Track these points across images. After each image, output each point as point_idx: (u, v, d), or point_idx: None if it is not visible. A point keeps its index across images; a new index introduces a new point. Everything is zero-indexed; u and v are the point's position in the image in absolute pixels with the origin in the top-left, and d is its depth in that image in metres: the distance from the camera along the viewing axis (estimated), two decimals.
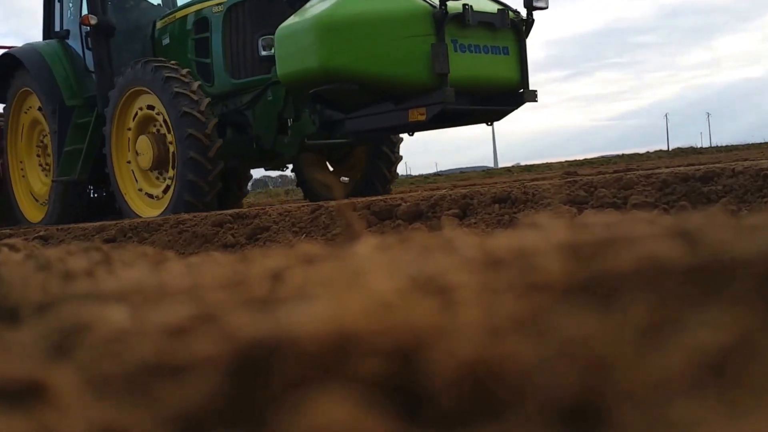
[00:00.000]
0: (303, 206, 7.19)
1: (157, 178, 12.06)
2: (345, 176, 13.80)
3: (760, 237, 0.82)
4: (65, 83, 13.99)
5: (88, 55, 13.72)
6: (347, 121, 10.77)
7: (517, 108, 10.82)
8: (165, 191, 11.88)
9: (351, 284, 0.90)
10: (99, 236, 8.44)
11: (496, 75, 10.40)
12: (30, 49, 14.72)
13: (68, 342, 0.85)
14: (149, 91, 11.74)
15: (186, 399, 0.72)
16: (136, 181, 12.38)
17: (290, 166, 14.26)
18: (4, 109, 15.59)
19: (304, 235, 6.77)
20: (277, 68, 10.49)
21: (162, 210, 11.51)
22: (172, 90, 11.24)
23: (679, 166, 8.25)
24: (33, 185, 15.28)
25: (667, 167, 7.16)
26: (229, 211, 7.96)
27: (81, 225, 9.80)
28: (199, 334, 0.79)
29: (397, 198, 6.64)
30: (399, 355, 0.71)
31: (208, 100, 11.35)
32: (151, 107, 11.93)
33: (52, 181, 13.92)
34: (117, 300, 0.99)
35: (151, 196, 12.20)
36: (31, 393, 0.74)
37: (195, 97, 11.25)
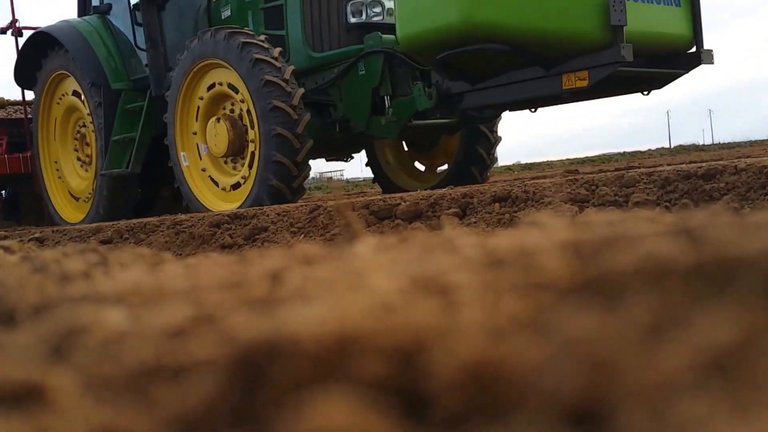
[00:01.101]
0: (301, 206, 7.18)
1: (234, 168, 10.59)
2: (433, 164, 12.42)
3: (763, 235, 0.81)
4: (109, 64, 12.49)
5: (138, 31, 12.23)
6: (475, 94, 9.13)
7: (688, 71, 8.97)
8: (238, 184, 10.47)
9: (351, 285, 0.90)
10: (95, 237, 8.44)
11: (667, 30, 8.58)
12: (66, 26, 13.13)
13: (66, 344, 0.85)
14: (222, 63, 10.25)
15: (185, 401, 0.71)
16: (204, 170, 10.88)
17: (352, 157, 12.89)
18: (34, 96, 14.16)
19: (302, 235, 6.77)
20: (398, 30, 8.95)
21: (240, 202, 10.11)
22: (251, 57, 9.80)
23: (681, 163, 8.23)
24: (69, 181, 13.79)
25: (669, 165, 7.14)
26: (226, 212, 7.96)
27: (77, 227, 9.76)
28: (197, 335, 0.79)
29: (396, 197, 6.64)
30: (400, 357, 0.71)
31: (292, 67, 9.87)
32: (223, 84, 10.44)
33: (100, 174, 12.37)
34: (114, 302, 0.99)
35: (223, 187, 10.77)
36: (29, 396, 0.74)
37: (278, 64, 9.81)
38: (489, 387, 0.68)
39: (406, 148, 12.68)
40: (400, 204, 6.42)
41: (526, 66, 8.45)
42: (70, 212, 13.62)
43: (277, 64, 9.78)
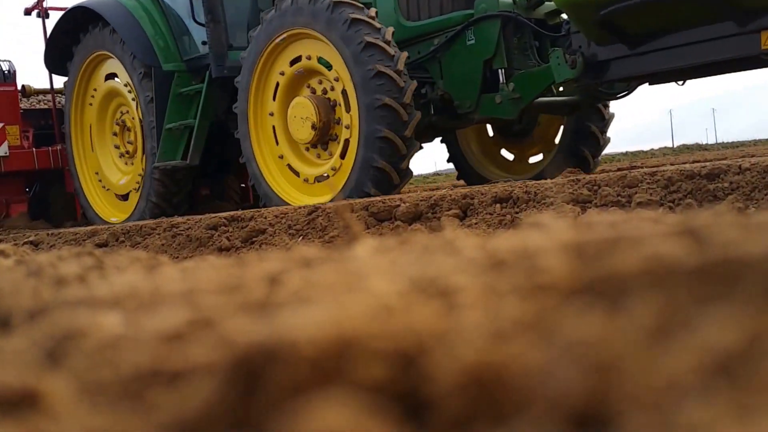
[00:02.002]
0: (299, 208, 7.19)
1: (318, 156, 9.32)
2: (525, 152, 11.03)
3: None
4: (159, 43, 11.08)
5: (196, 5, 10.78)
6: (629, 61, 7.82)
7: None
8: (319, 177, 9.14)
9: (350, 288, 0.89)
10: (90, 241, 8.45)
11: None
12: (109, 0, 11.69)
13: (61, 349, 0.85)
14: (316, 34, 8.85)
15: (182, 406, 0.71)
16: (282, 158, 9.61)
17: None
18: (66, 82, 12.95)
19: (301, 237, 6.78)
20: None
21: (333, 194, 8.84)
22: (361, 39, 8.39)
23: (684, 163, 8.21)
24: (108, 176, 12.48)
25: (672, 164, 7.14)
26: (224, 214, 7.96)
27: (72, 230, 9.68)
28: (194, 339, 0.79)
29: (395, 198, 6.64)
30: (400, 360, 0.71)
31: (405, 54, 8.55)
32: (312, 57, 9.13)
33: (153, 167, 11.00)
34: (110, 306, 0.99)
35: (305, 178, 9.46)
36: (24, 401, 0.73)
37: (377, 24, 8.50)
38: (491, 390, 0.68)
39: (491, 134, 11.29)
40: (399, 205, 6.43)
41: (715, 21, 7.10)
42: (110, 210, 12.50)
43: (376, 24, 8.55)
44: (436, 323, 0.75)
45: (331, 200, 8.32)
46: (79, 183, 12.83)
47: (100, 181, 12.60)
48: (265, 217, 7.27)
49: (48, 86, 14.42)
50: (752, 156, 7.67)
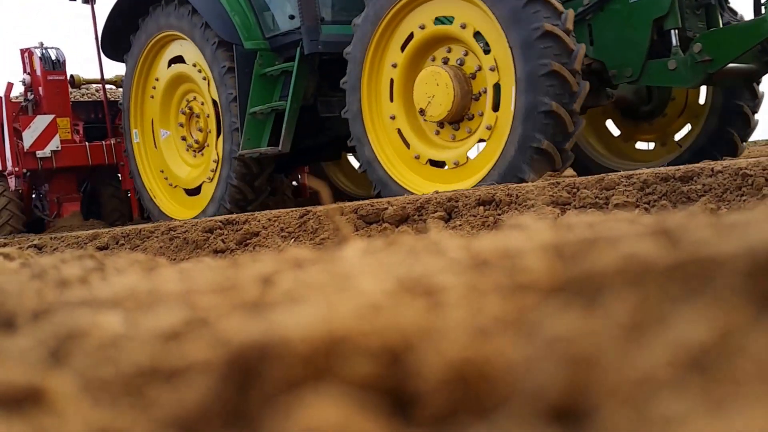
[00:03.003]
0: (291, 211, 7.17)
1: (452, 138, 7.98)
2: (646, 138, 9.52)
3: (739, 235, 0.82)
4: (240, 18, 9.76)
5: None
6: None
7: None
8: (453, 160, 7.88)
9: (340, 287, 0.90)
10: (92, 244, 8.40)
11: None
12: None
13: (64, 348, 0.86)
14: None
15: (180, 402, 0.72)
16: (407, 146, 8.28)
17: None
18: (126, 67, 11.71)
19: (293, 239, 6.76)
20: None
21: (472, 180, 7.52)
22: None
23: (660, 165, 8.12)
24: (173, 170, 11.27)
25: (648, 167, 7.09)
26: (219, 217, 7.94)
27: (74, 233, 9.52)
28: (191, 338, 0.80)
29: (383, 202, 6.64)
30: (388, 357, 0.72)
31: (572, 11, 7.23)
32: (456, 21, 7.75)
33: (236, 156, 9.82)
34: (111, 306, 1.00)
35: (434, 163, 8.21)
36: (29, 398, 0.75)
37: (559, 6, 7.17)
38: (474, 385, 0.69)
39: (605, 119, 9.62)
40: (387, 208, 6.43)
41: None
42: (176, 207, 11.28)
43: (555, 3, 7.17)
44: (422, 321, 0.76)
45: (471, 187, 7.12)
46: (140, 180, 11.70)
47: (166, 178, 11.47)
48: (259, 220, 7.26)
49: (91, 77, 13.55)
50: (723, 158, 7.52)
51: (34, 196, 13.71)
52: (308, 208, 7.23)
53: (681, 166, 5.63)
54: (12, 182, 12.80)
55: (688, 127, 9.43)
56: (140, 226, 8.59)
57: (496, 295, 0.83)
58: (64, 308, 1.03)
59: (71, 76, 13.26)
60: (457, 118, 7.80)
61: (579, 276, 0.82)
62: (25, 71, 13.04)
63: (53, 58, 12.99)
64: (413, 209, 6.32)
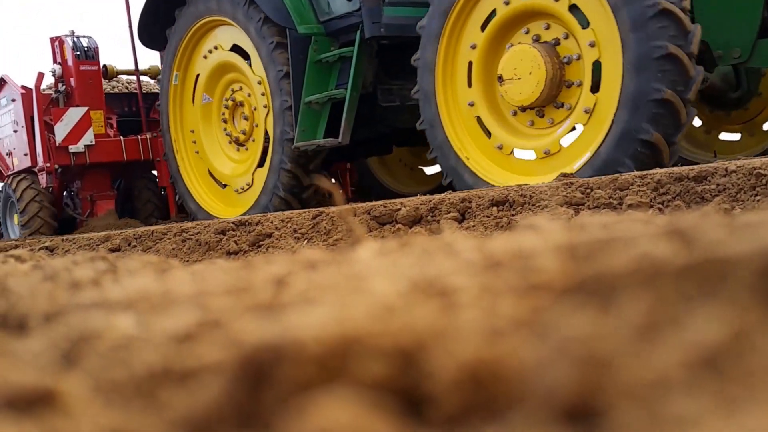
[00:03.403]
0: (304, 212, 7.18)
1: (530, 124, 7.14)
2: (732, 128, 8.58)
3: (753, 235, 0.82)
4: (293, 1, 9.07)
5: None
6: None
7: None
8: (543, 149, 7.01)
9: (353, 289, 0.90)
10: (104, 246, 8.41)
11: None
12: None
13: (76, 350, 0.86)
14: None
15: (193, 404, 0.72)
16: (488, 134, 7.42)
17: None
18: (164, 57, 10.95)
19: (306, 240, 6.76)
20: None
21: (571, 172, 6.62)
22: None
23: (673, 165, 8.04)
24: (215, 165, 10.57)
25: (661, 167, 7.01)
26: (232, 219, 7.94)
27: (86, 235, 9.50)
28: (204, 339, 0.80)
29: (396, 203, 6.63)
30: (401, 358, 0.72)
31: None
32: None
33: (293, 148, 9.04)
34: (123, 308, 1.00)
35: (518, 154, 7.36)
36: (41, 400, 0.75)
37: None
38: (487, 386, 0.69)
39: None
40: (400, 209, 6.41)
41: None
42: (218, 205, 10.58)
43: None
44: (435, 322, 0.76)
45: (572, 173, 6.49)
46: (178, 174, 10.92)
47: (211, 174, 10.73)
48: (272, 222, 7.25)
49: (124, 68, 12.78)
50: (738, 158, 7.40)
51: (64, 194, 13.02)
52: (321, 209, 7.23)
53: (695, 166, 5.58)
54: (43, 179, 12.20)
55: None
56: (152, 228, 8.59)
57: (510, 296, 0.83)
58: (76, 310, 1.03)
59: (104, 66, 12.57)
60: (551, 101, 6.97)
61: (592, 276, 0.82)
62: (55, 61, 12.38)
63: (85, 46, 12.27)
64: (426, 210, 6.30)
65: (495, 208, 5.95)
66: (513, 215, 5.75)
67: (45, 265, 1.48)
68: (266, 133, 9.86)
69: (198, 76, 10.68)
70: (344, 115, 8.59)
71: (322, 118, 8.97)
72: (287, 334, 0.75)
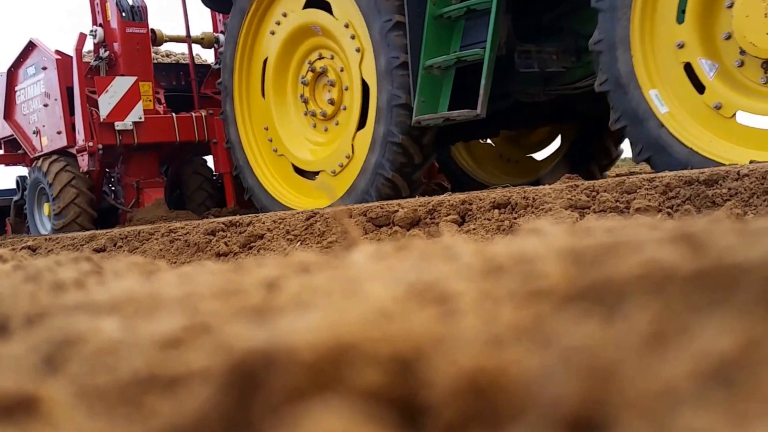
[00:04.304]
0: (297, 213, 7.19)
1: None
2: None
3: (767, 241, 0.81)
4: None
5: None
6: None
7: None
8: None
9: (348, 293, 0.89)
10: (88, 246, 8.42)
11: None
12: None
13: (59, 354, 0.85)
14: None
15: (180, 412, 0.71)
16: (701, 90, 6.04)
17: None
18: (229, 20, 9.43)
19: (299, 242, 6.77)
20: None
21: None
22: None
23: (683, 168, 8.04)
24: (290, 149, 9.22)
25: (670, 170, 6.98)
26: (222, 219, 7.96)
27: (70, 234, 9.38)
28: (192, 345, 0.79)
29: (393, 204, 6.64)
30: (398, 365, 0.71)
31: None
32: None
33: (414, 124, 7.63)
34: (108, 311, 0.99)
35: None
36: (22, 407, 0.73)
37: None
38: (488, 396, 0.68)
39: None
40: (398, 211, 6.42)
41: None
42: (294, 196, 9.30)
43: None
44: (434, 329, 0.75)
45: None
46: (244, 160, 9.63)
47: (296, 169, 9.39)
48: (264, 222, 7.27)
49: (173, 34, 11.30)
50: (751, 161, 7.41)
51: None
52: (315, 209, 7.25)
53: (705, 169, 5.54)
54: (84, 162, 10.49)
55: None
56: (139, 228, 8.59)
57: (511, 302, 0.81)
58: (59, 312, 1.02)
59: (152, 30, 10.96)
60: None
61: (598, 283, 0.81)
62: (95, 23, 10.76)
63: (132, 4, 10.67)
64: (425, 212, 6.31)
65: (497, 211, 5.96)
66: (515, 218, 5.76)
67: (27, 265, 1.47)
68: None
69: (266, 61, 9.41)
70: (482, 81, 7.12)
71: (445, 85, 7.54)
72: (279, 339, 0.73)
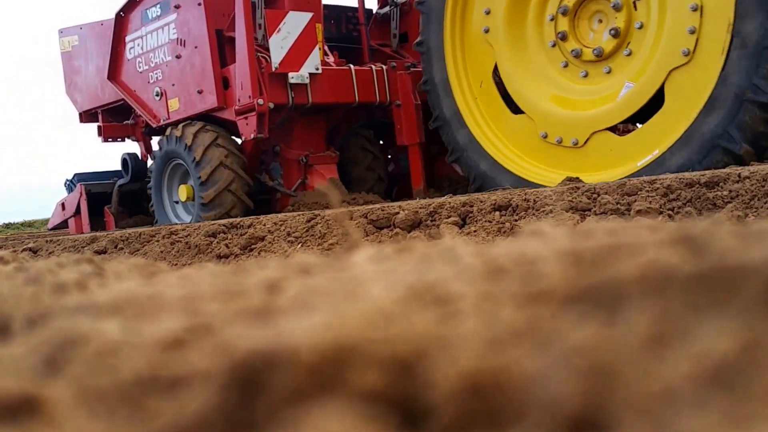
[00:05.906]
0: (298, 215, 7.19)
1: None
2: None
3: (767, 244, 0.81)
4: None
5: None
6: None
7: None
8: None
9: (349, 295, 0.89)
10: (89, 248, 8.42)
11: None
12: None
13: (61, 355, 0.85)
14: None
15: (181, 413, 0.71)
16: None
17: None
18: None
19: (300, 244, 6.77)
20: None
21: None
22: None
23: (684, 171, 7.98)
24: (534, 103, 7.22)
25: (671, 172, 6.91)
26: (223, 221, 7.96)
27: (71, 236, 9.35)
28: (193, 346, 0.79)
29: (395, 206, 6.64)
30: (399, 367, 0.71)
31: None
32: None
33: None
34: (109, 312, 0.99)
35: None
36: (24, 407, 0.73)
37: None
38: (488, 397, 0.68)
39: None
40: (398, 213, 6.42)
41: None
42: (544, 170, 7.35)
43: None
44: (434, 330, 0.75)
45: None
46: (470, 139, 7.58)
47: (543, 137, 7.41)
48: (264, 224, 7.28)
49: None
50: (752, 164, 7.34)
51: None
52: (316, 212, 7.25)
53: (706, 171, 5.55)
54: (251, 126, 7.90)
55: None
56: (140, 230, 8.58)
57: (512, 304, 0.82)
58: (60, 314, 1.02)
59: None
60: None
61: (598, 285, 0.81)
62: None
63: None
64: (426, 214, 6.31)
65: (497, 213, 5.96)
66: (516, 220, 5.76)
67: (29, 266, 1.48)
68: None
69: (488, 12, 7.42)
70: None
71: None
72: (280, 341, 0.73)
